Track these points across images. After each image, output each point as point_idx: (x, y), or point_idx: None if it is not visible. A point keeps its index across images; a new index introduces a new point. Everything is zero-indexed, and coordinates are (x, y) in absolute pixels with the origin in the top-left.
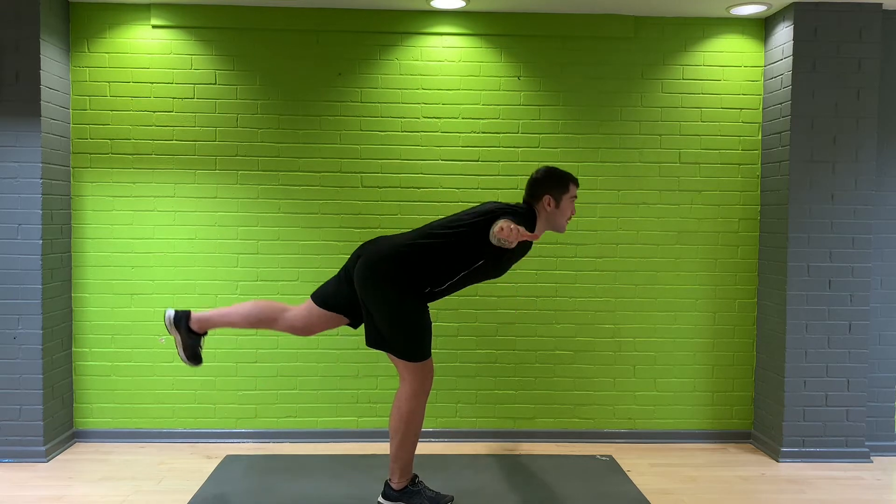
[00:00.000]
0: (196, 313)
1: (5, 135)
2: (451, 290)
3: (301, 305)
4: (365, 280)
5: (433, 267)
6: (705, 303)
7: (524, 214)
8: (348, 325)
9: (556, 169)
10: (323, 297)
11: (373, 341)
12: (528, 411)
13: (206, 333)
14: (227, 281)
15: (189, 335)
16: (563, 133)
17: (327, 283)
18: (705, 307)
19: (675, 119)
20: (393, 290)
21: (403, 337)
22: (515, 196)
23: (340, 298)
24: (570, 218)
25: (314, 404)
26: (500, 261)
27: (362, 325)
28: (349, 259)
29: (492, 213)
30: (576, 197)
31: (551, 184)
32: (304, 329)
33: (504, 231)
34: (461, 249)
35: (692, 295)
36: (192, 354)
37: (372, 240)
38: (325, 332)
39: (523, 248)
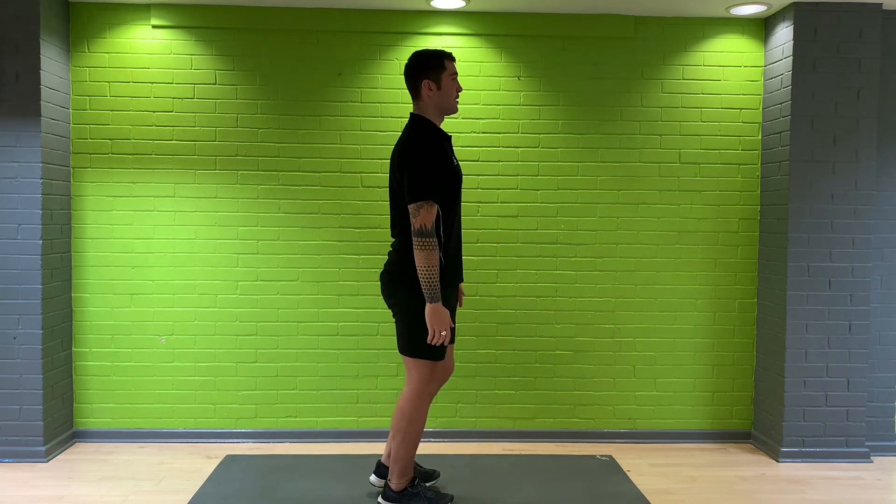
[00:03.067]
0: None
1: (5, 135)
2: (455, 247)
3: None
4: (386, 292)
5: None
6: (705, 303)
7: (411, 132)
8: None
9: (426, 50)
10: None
11: (400, 347)
12: (528, 411)
13: (416, 478)
14: (227, 281)
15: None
16: (563, 133)
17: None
18: (705, 307)
19: (675, 119)
20: (407, 288)
21: (421, 335)
22: (515, 197)
23: None
24: (457, 96)
25: (314, 404)
26: (448, 193)
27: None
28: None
29: (395, 162)
30: (456, 73)
31: (425, 68)
32: (446, 369)
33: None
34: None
35: (692, 295)
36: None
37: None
38: (325, 332)
39: (446, 157)
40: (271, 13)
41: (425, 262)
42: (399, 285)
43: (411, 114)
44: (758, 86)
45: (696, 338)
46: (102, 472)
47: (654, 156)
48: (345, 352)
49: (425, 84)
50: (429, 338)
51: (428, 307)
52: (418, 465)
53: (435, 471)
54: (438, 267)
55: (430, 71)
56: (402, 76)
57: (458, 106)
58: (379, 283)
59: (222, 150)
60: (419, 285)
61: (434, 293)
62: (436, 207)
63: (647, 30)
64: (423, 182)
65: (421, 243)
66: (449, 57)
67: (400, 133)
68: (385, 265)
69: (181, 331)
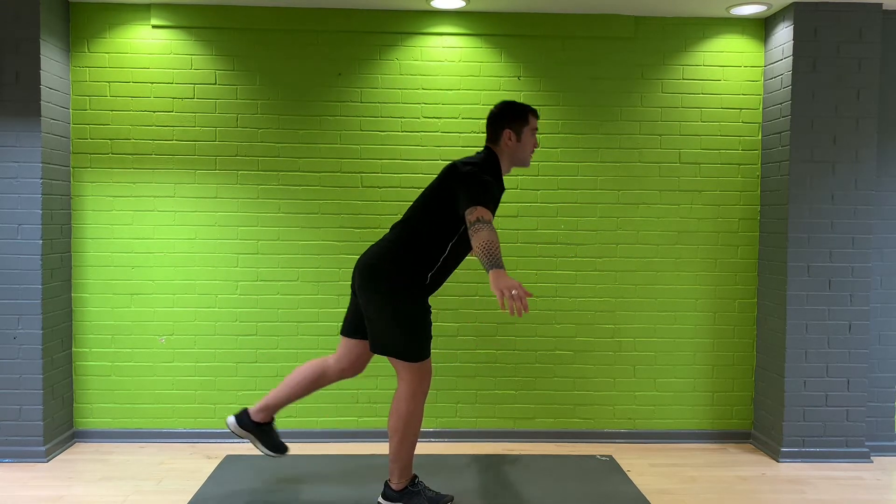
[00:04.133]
0: (252, 407)
1: (5, 135)
2: (449, 266)
3: (338, 348)
4: (364, 285)
5: (421, 248)
6: (705, 303)
7: (484, 161)
8: None
9: (514, 102)
10: (348, 326)
11: (376, 346)
12: (528, 411)
13: (273, 420)
14: (227, 281)
15: (259, 429)
16: (563, 133)
17: (346, 313)
18: (705, 307)
19: (675, 119)
20: (390, 289)
21: (403, 337)
22: (515, 197)
23: (362, 321)
24: (532, 151)
25: (314, 404)
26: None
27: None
28: (352, 279)
29: (452, 177)
30: (536, 129)
31: (510, 117)
32: (352, 367)
33: (506, 303)
34: (440, 222)
35: (692, 295)
36: (274, 446)
37: (364, 252)
38: (325, 332)
39: (499, 197)
40: (271, 13)
41: (484, 240)
42: (381, 282)
43: (487, 147)
44: (758, 86)
45: (696, 338)
46: (102, 472)
47: (654, 156)
48: None
49: (506, 133)
50: (501, 304)
51: (491, 273)
52: (277, 435)
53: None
54: (497, 242)
55: (514, 122)
56: (404, 77)
57: (457, 107)
58: (357, 265)
59: (222, 150)
60: (403, 288)
61: (497, 262)
62: (489, 212)
63: (647, 30)
64: (483, 193)
65: (477, 228)
66: (534, 113)
67: (400, 133)
68: (368, 256)
69: (181, 331)
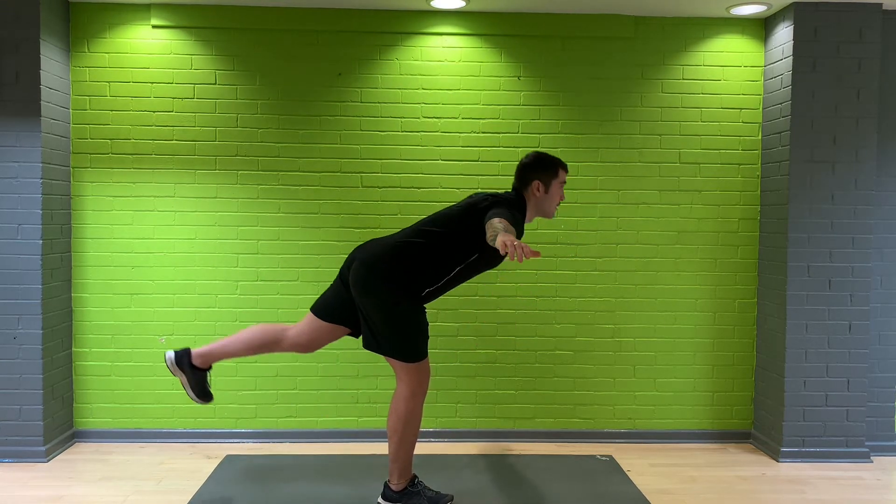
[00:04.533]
0: (196, 350)
1: (5, 135)
2: (449, 287)
3: (301, 321)
4: (362, 282)
5: (428, 264)
6: (705, 303)
7: (513, 202)
8: (349, 334)
9: (546, 154)
10: (323, 309)
11: (370, 344)
12: (528, 411)
13: (210, 368)
14: (227, 281)
15: (194, 372)
16: (563, 133)
17: (325, 293)
18: (705, 307)
19: (675, 119)
20: (389, 290)
21: (400, 338)
22: None
23: (340, 307)
24: (558, 204)
25: (314, 404)
26: (494, 252)
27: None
28: (343, 265)
29: (480, 205)
30: (565, 182)
31: (541, 169)
32: (308, 345)
33: (507, 249)
34: (454, 245)
35: (692, 295)
36: (201, 391)
37: (363, 244)
38: None
39: (518, 234)
40: (271, 13)
41: (506, 224)
42: (379, 283)
43: (517, 189)
44: (758, 86)
45: (696, 338)
46: (102, 472)
47: (654, 156)
48: (345, 352)
49: (535, 184)
50: (510, 254)
51: (499, 236)
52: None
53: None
54: (515, 230)
55: (544, 173)
56: (404, 77)
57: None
58: (353, 258)
59: (222, 150)
60: (401, 289)
61: (509, 230)
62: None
63: (647, 30)
64: (514, 218)
65: (503, 228)
66: (564, 167)
67: (400, 133)
68: (368, 254)
69: (181, 331)
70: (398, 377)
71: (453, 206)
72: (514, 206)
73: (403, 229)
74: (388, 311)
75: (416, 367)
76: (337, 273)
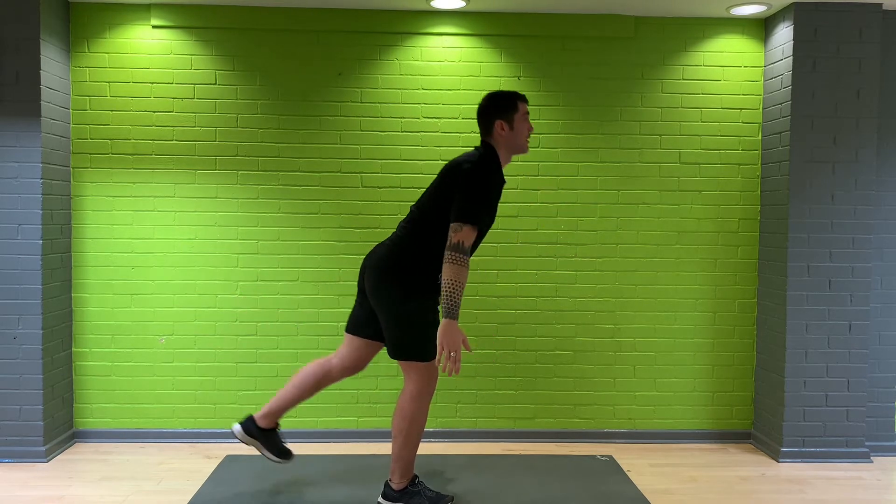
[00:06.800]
0: (257, 413)
1: (5, 135)
2: None
3: (341, 346)
4: (373, 286)
5: (428, 251)
6: (705, 303)
7: (482, 157)
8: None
9: (499, 91)
10: (354, 325)
11: (394, 352)
12: (528, 411)
13: (278, 426)
14: (227, 281)
15: (264, 434)
16: (563, 133)
17: (353, 310)
18: (705, 307)
19: (675, 119)
20: (400, 288)
21: (408, 337)
22: (515, 197)
23: (366, 319)
24: (528, 136)
25: (314, 404)
26: (491, 214)
27: None
28: (358, 277)
29: (453, 174)
30: (528, 113)
31: (499, 109)
32: (356, 365)
33: (443, 359)
34: (444, 223)
35: (692, 295)
36: (279, 451)
37: (371, 250)
38: (325, 332)
39: (499, 193)
40: (271, 13)
41: (454, 276)
42: (390, 285)
43: (484, 141)
44: (758, 86)
45: (696, 338)
46: (102, 472)
47: (654, 156)
48: None
49: (498, 124)
50: (437, 357)
51: (443, 323)
52: (282, 440)
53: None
54: (463, 285)
55: (502, 112)
56: (404, 77)
57: (457, 107)
58: (365, 264)
59: (222, 150)
60: (410, 287)
61: (454, 310)
62: (475, 232)
63: (647, 30)
64: (476, 207)
65: (453, 258)
66: (522, 98)
67: (400, 133)
68: (375, 258)
69: (181, 331)
70: (406, 377)
71: (431, 183)
72: (484, 161)
73: (399, 224)
74: (397, 310)
75: (426, 367)
76: (338, 277)
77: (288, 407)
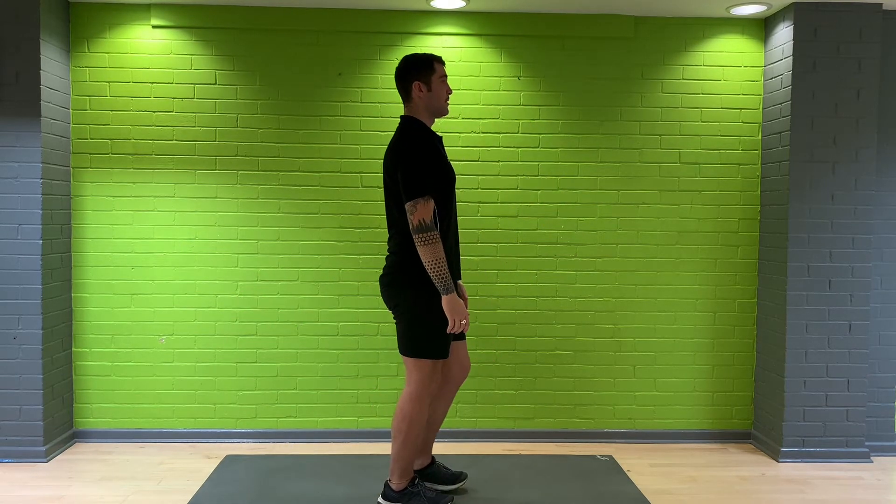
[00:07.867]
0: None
1: (5, 135)
2: (450, 236)
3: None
4: (386, 294)
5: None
6: (705, 303)
7: (402, 131)
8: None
9: (414, 54)
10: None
11: (402, 349)
12: (528, 411)
13: (433, 460)
14: (227, 281)
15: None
16: (563, 133)
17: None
18: (705, 307)
19: (675, 119)
20: (408, 289)
21: (411, 333)
22: (515, 197)
23: None
24: (447, 98)
25: (314, 404)
26: (442, 172)
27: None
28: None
29: (388, 166)
30: (445, 76)
31: (414, 71)
32: (461, 367)
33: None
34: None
35: (692, 295)
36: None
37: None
38: (325, 332)
39: (441, 151)
40: (271, 13)
41: (431, 255)
42: (399, 288)
43: (402, 116)
44: (758, 86)
45: (696, 338)
46: (102, 472)
47: (654, 156)
48: (345, 352)
49: (416, 86)
50: (449, 328)
51: (444, 299)
52: (445, 468)
53: (462, 472)
54: (445, 258)
55: (419, 73)
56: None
57: (457, 107)
58: (378, 284)
59: (222, 150)
60: (419, 285)
61: (446, 284)
62: (432, 202)
63: (647, 30)
64: (418, 179)
65: (423, 238)
66: (438, 60)
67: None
68: (384, 270)
69: (181, 331)
70: (408, 378)
71: (384, 181)
72: (410, 139)
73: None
74: (409, 314)
75: (429, 367)
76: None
77: (431, 439)
